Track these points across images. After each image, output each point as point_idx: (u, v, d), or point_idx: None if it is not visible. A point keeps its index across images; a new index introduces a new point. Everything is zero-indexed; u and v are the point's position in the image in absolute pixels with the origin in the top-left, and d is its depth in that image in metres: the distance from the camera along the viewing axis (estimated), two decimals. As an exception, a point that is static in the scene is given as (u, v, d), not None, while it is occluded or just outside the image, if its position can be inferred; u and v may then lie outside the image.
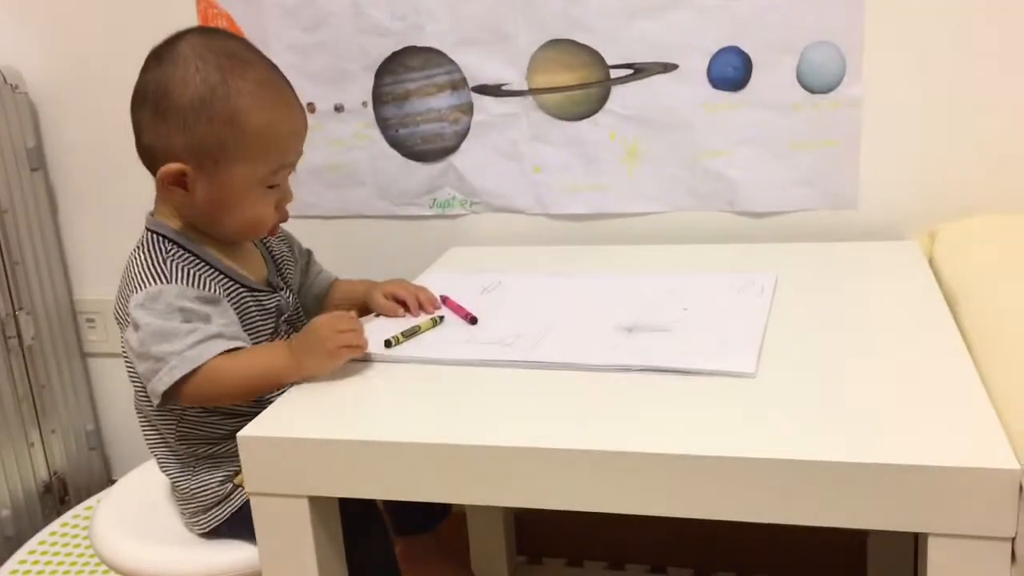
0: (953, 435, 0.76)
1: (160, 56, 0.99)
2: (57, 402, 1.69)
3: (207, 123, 0.97)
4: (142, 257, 1.00)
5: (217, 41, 1.01)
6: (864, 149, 1.32)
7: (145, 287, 0.97)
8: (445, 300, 1.15)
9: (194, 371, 0.94)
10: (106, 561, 1.07)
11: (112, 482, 1.24)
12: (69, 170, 1.68)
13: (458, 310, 1.12)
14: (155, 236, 1.02)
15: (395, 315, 1.13)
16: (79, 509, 1.59)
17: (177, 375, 0.94)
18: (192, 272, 1.00)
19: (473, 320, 1.09)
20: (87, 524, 1.50)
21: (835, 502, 0.74)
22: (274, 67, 1.04)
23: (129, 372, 1.04)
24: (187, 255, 1.02)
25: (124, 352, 1.03)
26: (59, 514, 1.61)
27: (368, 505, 1.09)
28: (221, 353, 0.95)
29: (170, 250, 1.01)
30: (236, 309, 1.03)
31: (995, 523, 0.71)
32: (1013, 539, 0.71)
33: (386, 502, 1.23)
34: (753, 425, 0.81)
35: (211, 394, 0.97)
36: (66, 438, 1.71)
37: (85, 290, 1.73)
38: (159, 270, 0.99)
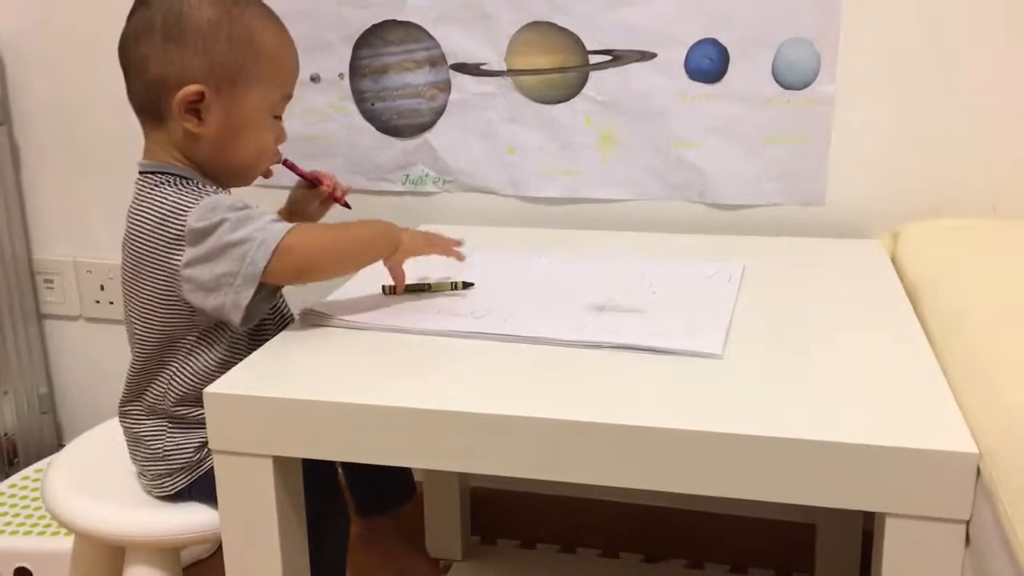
0: (914, 418, 0.78)
1: None
2: (11, 363, 1.66)
3: (227, 43, 0.98)
4: (172, 190, 0.98)
5: None
6: (833, 147, 1.34)
7: (196, 204, 0.96)
8: (291, 166, 1.15)
9: (286, 240, 0.94)
10: (59, 518, 1.05)
11: (63, 446, 1.23)
12: (34, 126, 1.64)
13: (302, 174, 1.16)
14: (169, 176, 1.00)
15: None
16: (29, 471, 1.56)
17: (272, 243, 0.93)
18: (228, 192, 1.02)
19: (314, 184, 1.16)
20: (37, 485, 1.48)
21: (797, 479, 0.76)
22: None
23: (138, 322, 1.01)
24: (211, 186, 1.02)
25: (140, 295, 0.99)
26: (8, 476, 1.58)
27: (333, 484, 1.09)
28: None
29: (196, 182, 1.00)
30: None
31: (952, 506, 0.73)
32: (968, 522, 0.73)
33: (349, 482, 1.23)
34: (718, 403, 0.82)
35: (311, 255, 0.96)
36: (18, 400, 1.68)
37: (44, 250, 1.70)
38: (200, 190, 0.99)
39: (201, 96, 0.97)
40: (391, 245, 1.04)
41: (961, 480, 0.72)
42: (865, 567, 1.39)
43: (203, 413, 0.99)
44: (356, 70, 1.48)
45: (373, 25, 1.44)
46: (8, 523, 1.42)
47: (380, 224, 1.05)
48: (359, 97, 1.49)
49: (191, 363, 1.01)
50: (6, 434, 1.66)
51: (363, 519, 1.26)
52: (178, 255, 0.95)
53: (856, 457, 0.74)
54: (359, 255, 1.03)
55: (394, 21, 1.44)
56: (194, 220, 0.95)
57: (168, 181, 0.99)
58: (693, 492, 0.78)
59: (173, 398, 1.02)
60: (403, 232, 1.05)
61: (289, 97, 1.07)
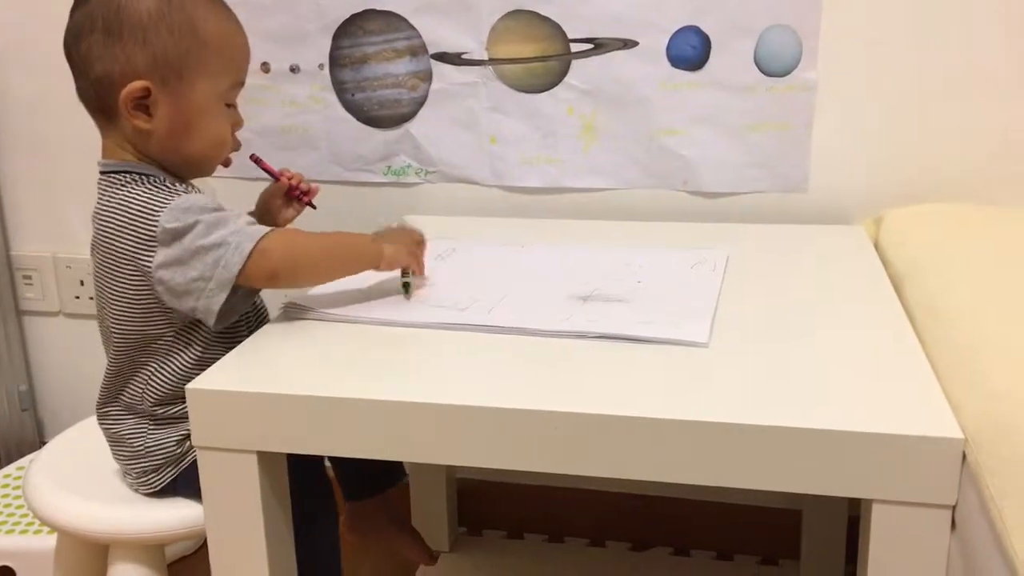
0: (899, 405, 0.78)
1: None
2: (-11, 360, 1.64)
3: (168, 34, 0.95)
4: (141, 189, 0.96)
5: None
6: (816, 134, 1.34)
7: (168, 204, 0.94)
8: (257, 161, 1.15)
9: (262, 244, 0.92)
10: (41, 517, 1.04)
11: (44, 444, 1.22)
12: (11, 122, 1.62)
13: (266, 168, 1.15)
14: (133, 175, 0.98)
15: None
16: (10, 469, 1.55)
17: (247, 247, 0.92)
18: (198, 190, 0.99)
19: (307, 198, 1.15)
20: (18, 484, 1.47)
21: (783, 467, 0.76)
22: None
23: (113, 323, 0.99)
24: (179, 182, 1.00)
25: (113, 296, 0.98)
26: (-12, 474, 1.56)
27: (318, 473, 1.08)
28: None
29: (163, 179, 0.98)
30: None
31: (938, 491, 0.73)
32: (954, 507, 0.73)
33: (337, 469, 1.23)
34: (704, 391, 0.82)
35: (287, 260, 0.95)
36: (-3, 397, 1.67)
37: (23, 245, 1.68)
38: (171, 189, 0.97)
39: (147, 92, 0.95)
40: (371, 258, 1.02)
41: (946, 465, 0.72)
42: (851, 552, 1.39)
43: (183, 409, 0.99)
44: (336, 60, 1.46)
45: (352, 15, 1.43)
46: (-10, 522, 1.41)
47: (360, 236, 1.03)
48: (339, 88, 1.47)
49: (168, 364, 1.00)
50: (-14, 432, 1.65)
51: (351, 503, 1.25)
52: (150, 255, 0.94)
53: (841, 444, 0.74)
54: (336, 264, 1.01)
55: (374, 10, 1.42)
56: (167, 220, 0.93)
57: (134, 180, 0.97)
58: (679, 481, 0.78)
59: (152, 399, 1.01)
60: (384, 246, 1.02)
61: (241, 84, 1.04)
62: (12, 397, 1.70)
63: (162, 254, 0.93)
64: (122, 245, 0.95)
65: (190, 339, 0.99)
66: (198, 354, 1.00)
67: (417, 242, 1.07)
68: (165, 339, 0.99)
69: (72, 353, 1.72)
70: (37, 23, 1.55)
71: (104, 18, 0.95)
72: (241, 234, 0.93)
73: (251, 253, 0.92)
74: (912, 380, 0.83)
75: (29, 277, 1.69)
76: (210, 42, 0.97)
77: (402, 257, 1.04)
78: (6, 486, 1.50)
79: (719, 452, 0.76)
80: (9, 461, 1.64)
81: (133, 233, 0.95)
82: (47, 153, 1.62)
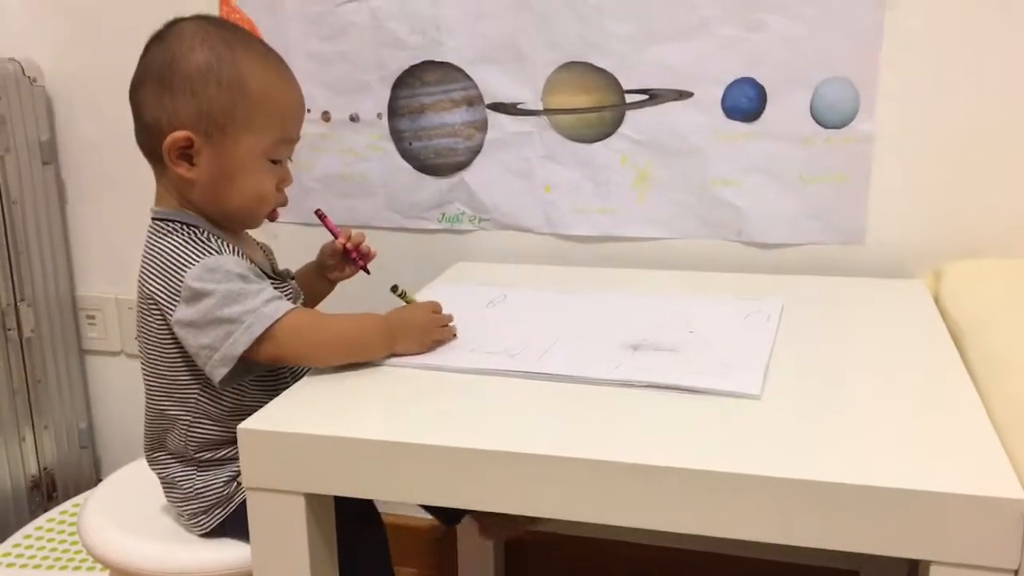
0: (959, 463, 0.76)
1: (162, 36, 1.00)
2: (52, 397, 1.68)
3: (216, 87, 0.97)
4: (178, 240, 0.99)
5: (217, 22, 1.03)
6: (874, 186, 1.33)
7: (198, 261, 0.96)
8: (322, 217, 1.16)
9: (273, 328, 0.94)
10: (95, 554, 1.06)
11: (101, 481, 1.24)
12: (80, 165, 1.68)
13: (329, 225, 1.16)
14: (176, 224, 1.01)
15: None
16: (67, 505, 1.57)
17: (257, 331, 0.93)
18: (234, 248, 1.01)
19: (363, 261, 1.17)
20: (74, 520, 1.49)
21: (838, 524, 0.74)
22: (271, 48, 1.05)
23: (146, 367, 1.04)
24: (218, 237, 1.02)
25: (146, 341, 1.02)
26: (46, 510, 1.59)
27: (368, 512, 1.09)
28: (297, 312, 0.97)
29: (203, 232, 1.00)
30: None
31: (999, 554, 0.70)
32: (1016, 571, 0.71)
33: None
34: (756, 444, 0.80)
35: (295, 348, 0.96)
36: (58, 434, 1.70)
37: (88, 286, 1.73)
38: (205, 246, 0.99)
39: (190, 142, 0.98)
40: (381, 353, 1.00)
41: (1008, 527, 0.70)
42: (910, 616, 1.35)
43: (227, 452, 1.02)
44: (394, 110, 1.49)
45: (411, 66, 1.46)
46: (45, 557, 1.43)
47: (375, 327, 1.01)
48: (397, 137, 1.50)
49: (203, 412, 1.02)
50: (45, 468, 1.68)
51: (450, 527, 1.23)
52: (173, 307, 0.96)
53: (899, 502, 0.72)
54: (344, 356, 0.99)
55: (432, 62, 1.45)
56: (192, 278, 0.95)
57: (175, 229, 1.00)
58: (729, 536, 0.76)
59: (194, 447, 1.03)
60: (397, 342, 1.01)
61: (290, 141, 1.05)
62: (72, 434, 1.74)
63: (181, 311, 0.96)
64: (155, 292, 0.98)
65: (220, 391, 1.00)
66: (233, 403, 1.02)
67: (435, 327, 1.04)
68: (192, 388, 1.01)
69: (131, 392, 1.75)
70: (103, 69, 1.60)
71: (159, 68, 0.99)
72: (256, 315, 0.94)
73: (261, 336, 0.93)
74: (972, 437, 0.80)
75: (93, 317, 1.73)
76: (257, 99, 0.99)
77: (413, 351, 1.02)
78: (63, 523, 1.53)
79: (771, 508, 0.75)
80: (67, 497, 1.67)
81: (162, 282, 0.98)
82: (112, 197, 1.67)
